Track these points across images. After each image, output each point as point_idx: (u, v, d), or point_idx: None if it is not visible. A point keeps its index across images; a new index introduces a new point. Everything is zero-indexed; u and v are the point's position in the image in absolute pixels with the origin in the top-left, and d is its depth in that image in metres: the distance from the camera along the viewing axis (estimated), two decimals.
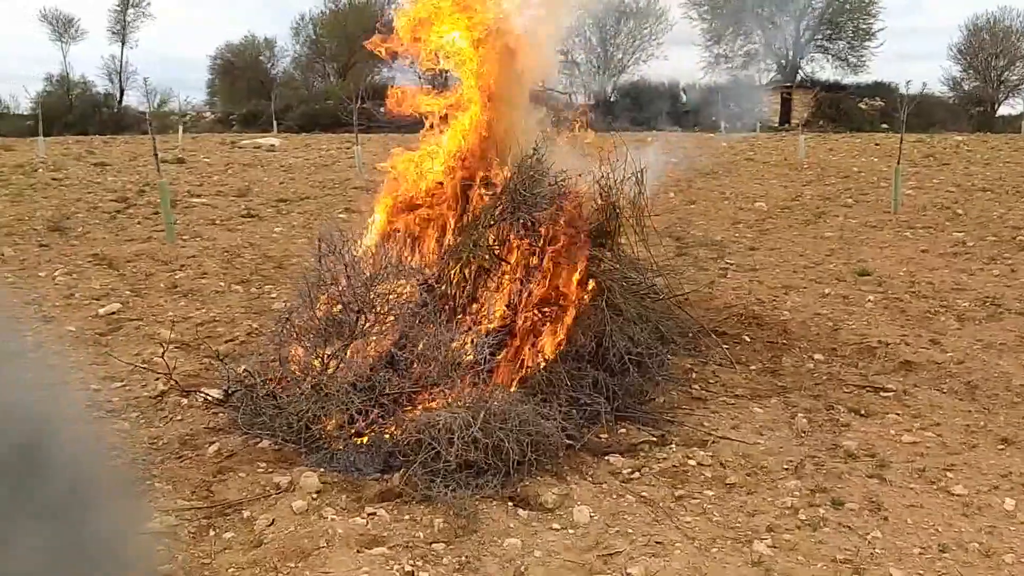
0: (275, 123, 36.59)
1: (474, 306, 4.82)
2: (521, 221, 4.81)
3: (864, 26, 44.03)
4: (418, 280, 4.70)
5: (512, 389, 4.63)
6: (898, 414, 5.18)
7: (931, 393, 5.53)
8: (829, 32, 44.42)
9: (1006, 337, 6.66)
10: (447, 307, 4.78)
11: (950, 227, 11.83)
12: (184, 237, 11.01)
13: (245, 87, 49.72)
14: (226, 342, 6.56)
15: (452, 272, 4.79)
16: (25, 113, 42.13)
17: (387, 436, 4.32)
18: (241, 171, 18.69)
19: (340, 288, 4.42)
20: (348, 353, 4.36)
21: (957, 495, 4.14)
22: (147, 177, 16.77)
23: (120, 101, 47.35)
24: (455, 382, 4.27)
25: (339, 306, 4.50)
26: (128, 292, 8.08)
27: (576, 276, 5.11)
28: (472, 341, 4.58)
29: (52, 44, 55.05)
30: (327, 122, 38.43)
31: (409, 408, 4.53)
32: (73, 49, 65.03)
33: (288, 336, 4.56)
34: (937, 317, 7.29)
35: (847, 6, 43.62)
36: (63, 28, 47.34)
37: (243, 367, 5.05)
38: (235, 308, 7.52)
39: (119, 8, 46.72)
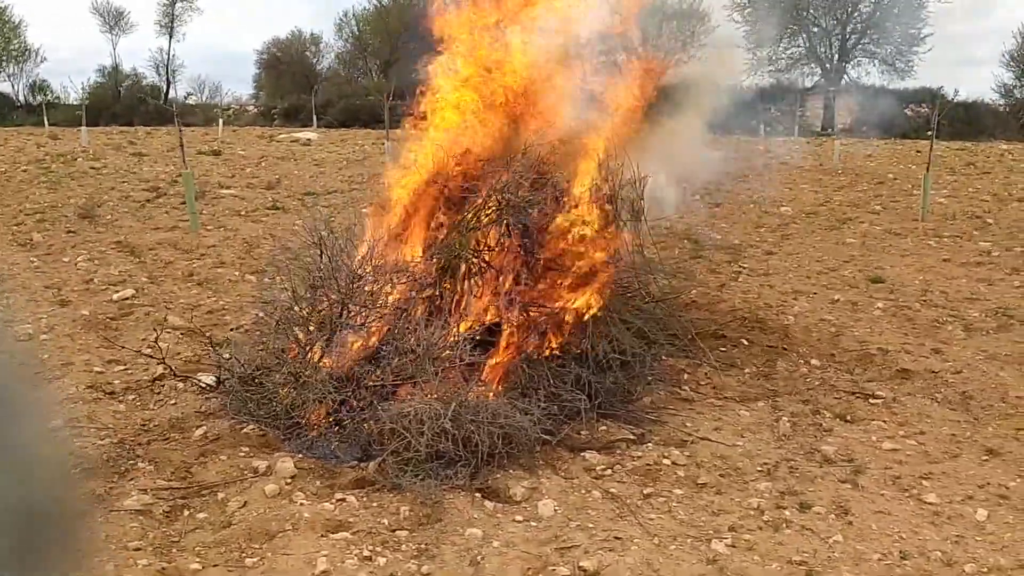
0: (315, 118, 36.96)
1: (459, 304, 4.88)
2: (506, 224, 4.86)
3: (912, 31, 43.25)
4: (403, 276, 4.77)
5: (492, 384, 4.68)
6: (884, 421, 5.15)
7: (922, 402, 5.49)
8: (876, 36, 43.72)
9: (1012, 349, 6.56)
10: (430, 304, 4.85)
11: (978, 236, 11.64)
12: (208, 227, 11.24)
13: (290, 82, 50.39)
14: (231, 330, 6.71)
15: (436, 270, 4.86)
16: (75, 103, 43.16)
17: (366, 426, 4.40)
18: (274, 164, 18.97)
19: (323, 279, 4.51)
20: (327, 344, 4.45)
21: (929, 503, 4.12)
22: (182, 168, 17.11)
23: (167, 93, 48.27)
24: (431, 375, 4.33)
25: (323, 297, 4.59)
26: (145, 279, 8.28)
27: (565, 280, 5.16)
28: (453, 336, 4.64)
29: (102, 36, 56.20)
30: (367, 118, 38.81)
31: (391, 400, 4.62)
32: (124, 41, 66.41)
33: (274, 325, 4.66)
34: (944, 326, 7.20)
35: (895, 10, 42.90)
36: (114, 20, 48.41)
37: (227, 355, 5.17)
38: (245, 297, 7.67)
39: (167, 2, 47.56)
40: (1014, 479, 4.39)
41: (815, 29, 44.08)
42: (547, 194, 5.22)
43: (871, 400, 5.49)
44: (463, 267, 4.91)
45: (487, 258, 4.99)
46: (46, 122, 33.05)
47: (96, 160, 18.90)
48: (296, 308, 4.67)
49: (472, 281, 4.93)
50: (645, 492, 4.17)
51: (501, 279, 4.93)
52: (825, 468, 4.49)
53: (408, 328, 4.60)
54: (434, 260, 4.87)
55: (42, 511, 2.35)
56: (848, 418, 5.20)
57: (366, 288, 4.60)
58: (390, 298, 4.82)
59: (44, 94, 46.41)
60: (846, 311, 7.67)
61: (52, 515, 2.49)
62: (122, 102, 43.58)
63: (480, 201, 4.98)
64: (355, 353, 4.55)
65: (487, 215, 4.93)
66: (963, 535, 3.85)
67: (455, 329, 4.74)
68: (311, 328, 4.57)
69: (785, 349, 6.53)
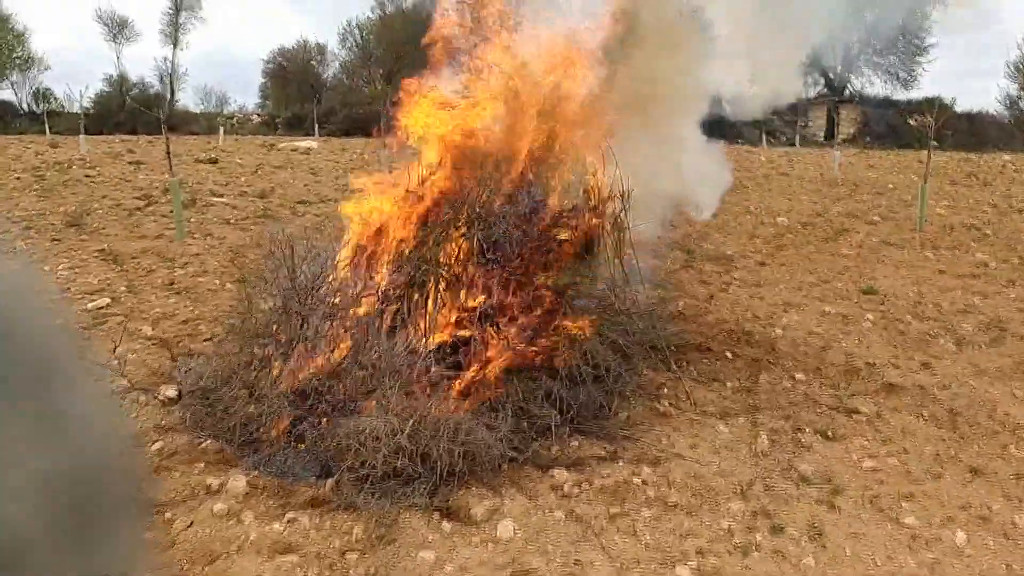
0: (316, 127, 36.93)
1: (426, 318, 4.72)
2: (476, 238, 4.72)
3: (916, 41, 43.15)
4: (368, 290, 4.62)
5: (458, 399, 4.52)
6: (866, 438, 4.98)
7: (907, 418, 5.32)
8: (879, 46, 43.62)
9: (1003, 363, 6.39)
10: (396, 318, 4.70)
11: (975, 248, 11.47)
12: (195, 235, 11.11)
13: (295, 91, 50.39)
14: (204, 340, 6.56)
15: (403, 284, 4.71)
16: (79, 112, 43.22)
17: (323, 442, 4.25)
18: (270, 173, 18.87)
19: (283, 291, 4.37)
20: (286, 358, 4.30)
21: (907, 526, 3.96)
22: (179, 176, 17.01)
23: (170, 102, 48.28)
24: (390, 390, 4.17)
25: (283, 310, 4.45)
26: (123, 288, 8.14)
27: (536, 294, 5.00)
28: (418, 351, 4.49)
29: (106, 44, 56.37)
30: (370, 126, 38.74)
31: (353, 415, 4.46)
32: (134, 50, 66.68)
33: (232, 338, 4.51)
34: (936, 340, 7.03)
35: (899, 21, 42.78)
36: (117, 29, 48.50)
37: (184, 368, 5.03)
38: (223, 307, 7.52)
39: (171, 11, 47.66)
40: (997, 500, 4.22)
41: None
42: (521, 207, 5.07)
43: (854, 416, 5.32)
44: (431, 281, 4.75)
45: (456, 272, 4.83)
46: (47, 130, 33.02)
47: (92, 168, 18.81)
48: (253, 320, 4.51)
49: (440, 295, 4.77)
50: (611, 513, 4.01)
51: (470, 293, 4.78)
52: (802, 488, 4.33)
53: (371, 342, 4.44)
54: (401, 273, 4.72)
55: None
56: (829, 435, 5.03)
57: (328, 301, 4.45)
58: (356, 311, 4.67)
59: (47, 102, 46.45)
60: (836, 324, 7.50)
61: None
62: (126, 110, 43.57)
63: (450, 214, 4.83)
64: (315, 367, 4.40)
65: (457, 228, 4.78)
66: (940, 560, 3.69)
67: (421, 343, 4.59)
68: (266, 341, 4.42)
69: (770, 363, 6.36)
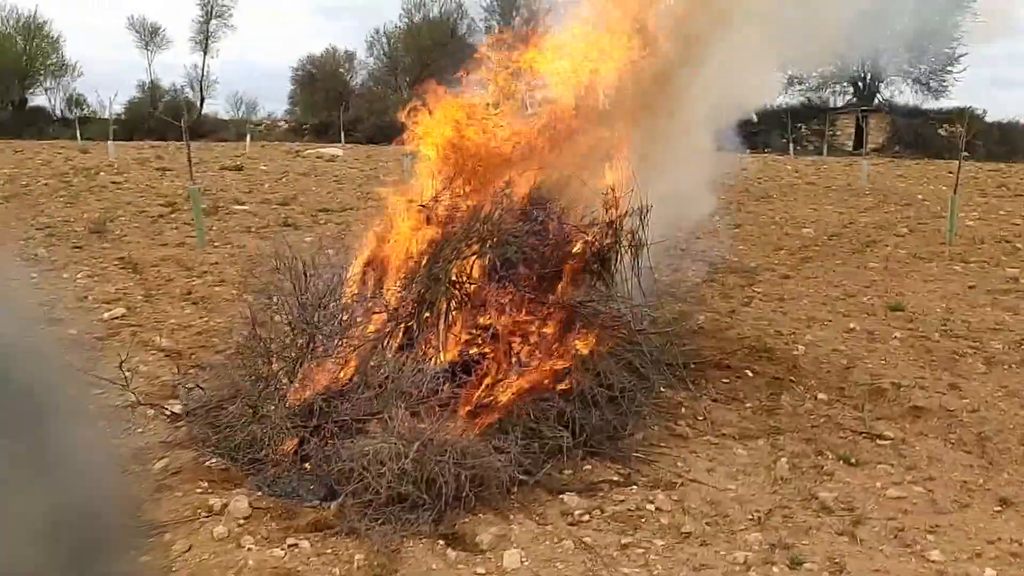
0: (343, 134, 37.04)
1: (432, 338, 4.62)
2: (488, 257, 4.61)
3: (947, 50, 42.55)
4: (377, 307, 4.53)
5: (467, 421, 4.41)
6: (891, 465, 4.81)
7: (933, 443, 5.13)
8: (909, 56, 43.04)
9: None
10: (406, 337, 4.60)
11: (1006, 262, 11.19)
12: (215, 243, 11.11)
13: (323, 98, 50.63)
14: (217, 352, 6.50)
15: (413, 302, 4.60)
16: (110, 118, 43.69)
17: (328, 465, 4.15)
18: (294, 180, 18.88)
19: (289, 307, 4.28)
20: (291, 376, 4.21)
21: (932, 561, 3.78)
22: (203, 183, 17.07)
23: (201, 109, 48.73)
24: (396, 411, 4.07)
25: (289, 326, 4.36)
26: (140, 297, 8.13)
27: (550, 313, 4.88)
28: (427, 371, 4.38)
29: (139, 51, 57.01)
30: (396, 134, 38.76)
31: (360, 436, 4.36)
32: (167, 56, 67.50)
33: (237, 354, 4.44)
34: (964, 359, 6.82)
35: (929, 29, 42.22)
36: (149, 37, 49.01)
37: (190, 384, 4.96)
38: (238, 318, 7.47)
39: (202, 19, 48.10)
40: None
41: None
42: (535, 226, 4.96)
43: (879, 441, 5.14)
44: (442, 299, 4.65)
45: (468, 291, 4.72)
46: (78, 136, 33.39)
47: (119, 174, 18.93)
48: (258, 337, 4.43)
49: (451, 314, 4.66)
50: (623, 542, 3.87)
51: (481, 312, 4.67)
52: (822, 518, 4.16)
53: (379, 361, 4.34)
54: (412, 291, 4.62)
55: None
56: (852, 460, 4.85)
57: (336, 318, 4.36)
58: (365, 329, 4.57)
59: (80, 108, 47.05)
60: (861, 341, 7.30)
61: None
62: (156, 117, 44.00)
63: (462, 232, 4.73)
64: (321, 386, 4.30)
65: (469, 247, 4.67)
66: None
67: (430, 363, 4.48)
68: (273, 359, 4.33)
69: (792, 381, 6.20)
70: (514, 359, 4.70)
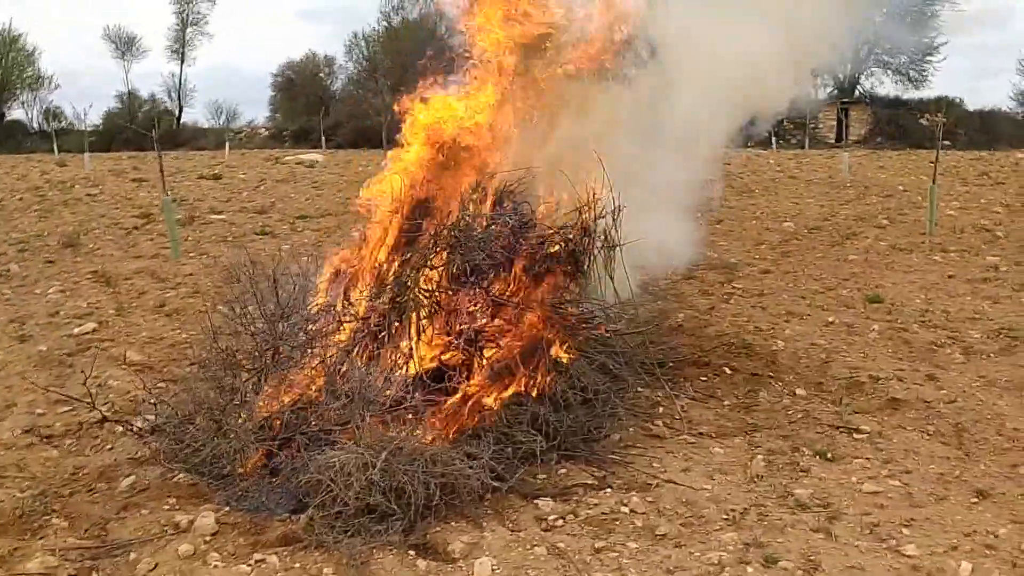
0: (323, 139, 36.89)
1: (401, 346, 4.55)
2: (457, 264, 4.54)
3: (926, 40, 42.72)
4: (343, 316, 4.46)
5: (437, 428, 4.34)
6: (867, 459, 4.77)
7: (911, 435, 5.10)
8: (889, 46, 43.21)
9: (1013, 374, 6.15)
10: (373, 345, 4.53)
11: (986, 251, 11.22)
12: (191, 254, 11.01)
13: (304, 103, 50.40)
14: (190, 365, 6.40)
15: (381, 310, 4.54)
16: (88, 129, 43.43)
17: (297, 476, 4.08)
18: (272, 187, 18.78)
19: (250, 320, 4.21)
20: (256, 389, 4.14)
21: (907, 556, 3.74)
22: (179, 193, 16.97)
23: (179, 118, 48.49)
24: (361, 421, 4.00)
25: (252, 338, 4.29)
26: (112, 311, 8.02)
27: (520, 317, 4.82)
28: (390, 380, 4.32)
29: (115, 62, 56.64)
30: (376, 139, 38.65)
31: (330, 447, 4.29)
32: (144, 66, 67.14)
33: (202, 369, 4.36)
34: (942, 349, 6.81)
35: (907, 19, 42.39)
36: (125, 46, 48.70)
37: (155, 399, 4.88)
38: (207, 330, 7.37)
39: (178, 27, 47.85)
40: (1004, 525, 4.00)
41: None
42: (504, 229, 4.90)
43: (855, 435, 5.11)
44: (410, 307, 4.58)
45: (437, 298, 4.65)
46: (55, 149, 33.15)
47: (95, 186, 18.81)
48: (222, 349, 4.35)
49: (420, 322, 4.59)
50: (597, 546, 3.81)
51: (449, 319, 4.60)
52: (798, 515, 4.12)
53: (345, 371, 4.27)
54: (380, 299, 4.55)
55: None
56: (829, 456, 4.81)
57: (301, 328, 4.29)
58: (332, 339, 4.51)
59: (57, 121, 46.71)
60: (840, 334, 7.28)
61: None
62: (131, 128, 43.72)
63: (429, 238, 4.66)
64: (287, 398, 4.23)
65: (436, 253, 4.61)
66: None
67: (399, 371, 4.42)
68: (238, 372, 4.26)
69: (770, 377, 6.16)
70: (484, 364, 4.64)
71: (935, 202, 12.79)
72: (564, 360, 4.72)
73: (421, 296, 4.56)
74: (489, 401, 4.57)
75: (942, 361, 6.52)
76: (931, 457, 4.80)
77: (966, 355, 6.66)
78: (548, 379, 4.58)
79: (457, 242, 4.60)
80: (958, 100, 40.55)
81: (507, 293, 4.83)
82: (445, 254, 4.64)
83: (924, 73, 43.66)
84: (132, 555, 3.72)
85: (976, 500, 4.29)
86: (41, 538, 3.86)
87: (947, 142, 37.31)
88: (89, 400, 4.89)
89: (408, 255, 4.66)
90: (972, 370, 6.29)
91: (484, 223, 4.85)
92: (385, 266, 4.73)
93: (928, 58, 43.46)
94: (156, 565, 3.61)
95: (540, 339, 4.68)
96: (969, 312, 7.98)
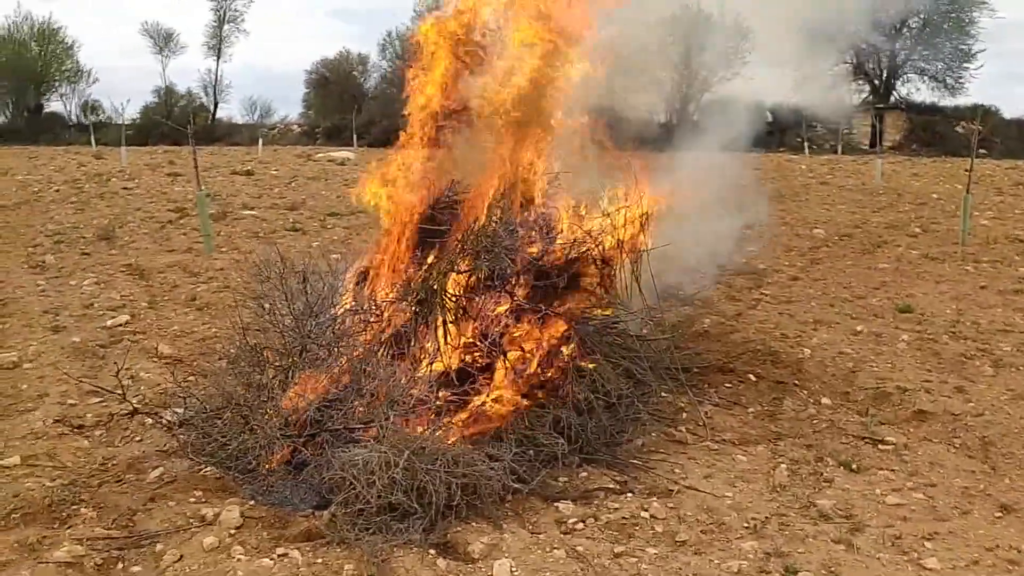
0: (355, 137, 37.08)
1: (426, 347, 4.59)
2: (484, 269, 4.57)
3: (963, 47, 42.15)
4: (371, 316, 4.51)
5: (459, 429, 4.38)
6: (892, 470, 4.74)
7: (937, 448, 5.07)
8: (926, 52, 42.68)
9: None
10: (399, 345, 4.57)
11: (1019, 262, 11.07)
12: (222, 249, 11.14)
13: (337, 101, 50.68)
14: (219, 359, 6.50)
15: (408, 311, 4.58)
16: (126, 123, 43.94)
17: (320, 474, 4.14)
18: (304, 184, 18.93)
19: (279, 318, 4.27)
20: (283, 385, 4.20)
21: (929, 569, 3.72)
22: (213, 187, 17.15)
23: (214, 114, 48.96)
24: (386, 419, 4.05)
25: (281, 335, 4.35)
26: (144, 304, 8.15)
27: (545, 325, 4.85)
28: (415, 379, 4.36)
29: (153, 57, 57.38)
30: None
31: (355, 445, 4.34)
32: (181, 62, 67.96)
33: (232, 364, 4.43)
34: (972, 361, 6.73)
35: (945, 26, 41.87)
36: (163, 42, 49.21)
37: (185, 393, 4.95)
38: (236, 325, 7.47)
39: (215, 24, 48.29)
40: None
41: (863, 45, 43.15)
42: (531, 235, 4.93)
43: (880, 446, 5.08)
44: (436, 309, 4.62)
45: (463, 303, 4.69)
46: (93, 142, 33.61)
47: (131, 180, 19.05)
48: (250, 345, 4.42)
49: (446, 324, 4.63)
50: (616, 551, 3.83)
51: (475, 322, 4.64)
52: (819, 525, 4.11)
53: (372, 370, 4.32)
54: (407, 301, 4.60)
55: None
56: (853, 466, 4.80)
57: (329, 327, 4.34)
58: (359, 338, 4.55)
59: (95, 114, 47.28)
60: (868, 343, 7.22)
61: None
62: (168, 123, 44.21)
63: (456, 244, 4.70)
64: (313, 395, 4.28)
65: (464, 259, 4.64)
66: None
67: (423, 372, 4.46)
68: (266, 368, 4.32)
69: (796, 385, 6.14)
70: (510, 368, 4.67)
71: (968, 211, 12.64)
72: (588, 366, 4.74)
73: (448, 301, 4.60)
74: (511, 404, 4.60)
75: (971, 373, 6.46)
76: (956, 470, 4.77)
77: (996, 367, 6.58)
78: (571, 383, 4.59)
79: (484, 249, 4.62)
80: (994, 108, 39.85)
81: (533, 298, 4.86)
82: (471, 260, 4.67)
83: (960, 80, 43.07)
84: (158, 546, 3.79)
85: (1000, 515, 4.26)
86: (69, 527, 3.94)
87: (983, 151, 36.88)
88: (120, 392, 4.99)
89: (434, 257, 4.70)
90: (1001, 383, 6.22)
91: (511, 229, 4.87)
92: (411, 268, 4.77)
93: (965, 65, 42.88)
94: (181, 557, 3.68)
95: (564, 344, 4.70)
96: (1000, 324, 7.89)
